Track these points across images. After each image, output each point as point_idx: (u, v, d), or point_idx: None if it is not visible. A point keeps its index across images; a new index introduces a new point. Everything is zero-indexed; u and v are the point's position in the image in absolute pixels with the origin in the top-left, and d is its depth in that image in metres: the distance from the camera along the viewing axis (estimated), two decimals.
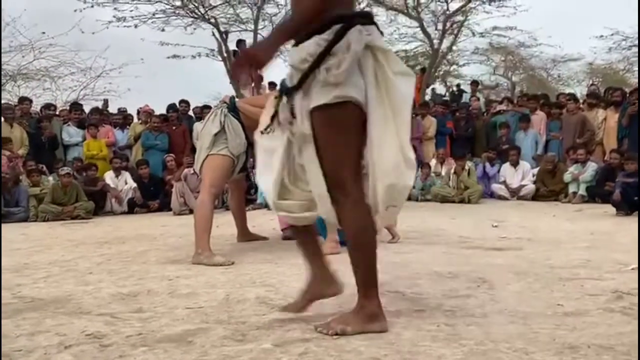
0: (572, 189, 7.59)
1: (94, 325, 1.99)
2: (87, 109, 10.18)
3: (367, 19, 1.77)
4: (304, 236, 2.02)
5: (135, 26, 13.21)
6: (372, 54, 1.75)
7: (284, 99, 1.83)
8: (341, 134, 1.75)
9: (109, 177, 8.14)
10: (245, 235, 4.24)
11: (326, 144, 1.77)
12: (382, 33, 1.83)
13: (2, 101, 10.73)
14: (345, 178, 1.77)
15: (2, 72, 14.53)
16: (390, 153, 1.74)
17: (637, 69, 14.96)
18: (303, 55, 1.73)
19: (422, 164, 8.47)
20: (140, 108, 9.90)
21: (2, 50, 14.20)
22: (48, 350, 1.73)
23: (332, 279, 2.00)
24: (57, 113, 9.76)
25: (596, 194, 7.20)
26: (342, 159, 1.78)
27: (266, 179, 1.90)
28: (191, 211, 6.81)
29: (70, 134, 8.94)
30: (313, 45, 1.71)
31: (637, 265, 2.80)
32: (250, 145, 3.74)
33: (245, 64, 1.68)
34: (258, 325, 1.94)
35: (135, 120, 9.85)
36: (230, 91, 12.72)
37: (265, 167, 1.92)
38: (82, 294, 2.51)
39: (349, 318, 1.82)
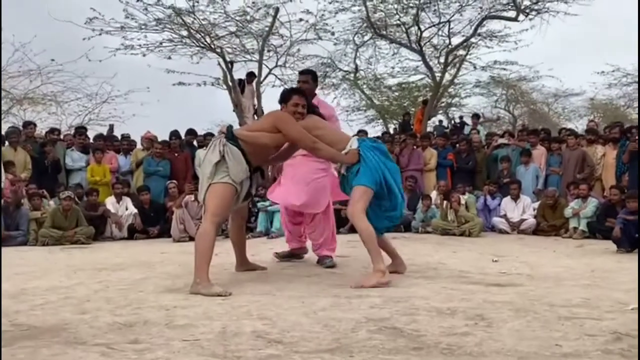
0: (572, 224, 7.58)
1: (89, 356, 1.98)
2: (91, 134, 10.25)
3: None
4: None
5: (143, 55, 13.42)
6: None
7: None
8: None
9: (110, 202, 8.16)
10: (244, 264, 4.22)
11: None
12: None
13: (8, 125, 10.84)
14: None
15: (9, 97, 14.74)
16: None
17: (637, 105, 15.09)
18: None
19: (423, 195, 8.48)
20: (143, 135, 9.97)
21: (11, 75, 14.43)
22: None
23: None
24: (62, 137, 9.85)
25: (597, 229, 7.19)
26: None
27: None
28: (191, 238, 6.82)
29: (74, 158, 8.99)
30: None
31: (636, 306, 2.79)
32: (253, 170, 3.77)
33: None
34: None
35: (138, 146, 9.91)
36: (233, 119, 12.86)
37: None
38: (78, 322, 2.50)
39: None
